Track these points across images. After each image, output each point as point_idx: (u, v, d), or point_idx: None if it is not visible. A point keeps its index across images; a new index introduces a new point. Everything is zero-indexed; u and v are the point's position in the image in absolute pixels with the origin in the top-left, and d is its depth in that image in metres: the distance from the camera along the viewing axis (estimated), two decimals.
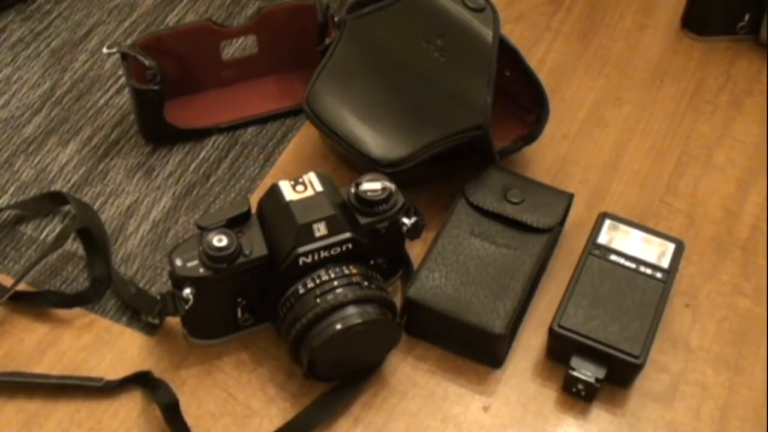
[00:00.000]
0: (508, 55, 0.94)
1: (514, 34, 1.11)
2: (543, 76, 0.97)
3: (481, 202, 0.90)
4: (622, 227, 0.90)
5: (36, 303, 0.88)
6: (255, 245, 0.81)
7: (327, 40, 0.99)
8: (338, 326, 0.78)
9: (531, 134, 0.96)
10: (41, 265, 0.91)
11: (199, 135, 1.02)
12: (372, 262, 0.83)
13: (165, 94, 0.97)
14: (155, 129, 1.00)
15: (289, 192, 0.81)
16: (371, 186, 0.83)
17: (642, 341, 0.82)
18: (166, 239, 0.94)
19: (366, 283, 0.80)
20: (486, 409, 0.84)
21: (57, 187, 0.97)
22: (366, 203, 0.83)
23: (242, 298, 0.83)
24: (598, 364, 0.82)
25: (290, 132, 1.03)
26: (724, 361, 0.87)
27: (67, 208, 0.96)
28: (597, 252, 0.88)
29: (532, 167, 1.00)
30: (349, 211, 0.83)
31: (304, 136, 1.02)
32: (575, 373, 0.82)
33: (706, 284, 0.92)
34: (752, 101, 1.07)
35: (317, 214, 0.79)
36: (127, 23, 1.13)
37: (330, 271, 0.80)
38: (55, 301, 0.88)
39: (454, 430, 0.83)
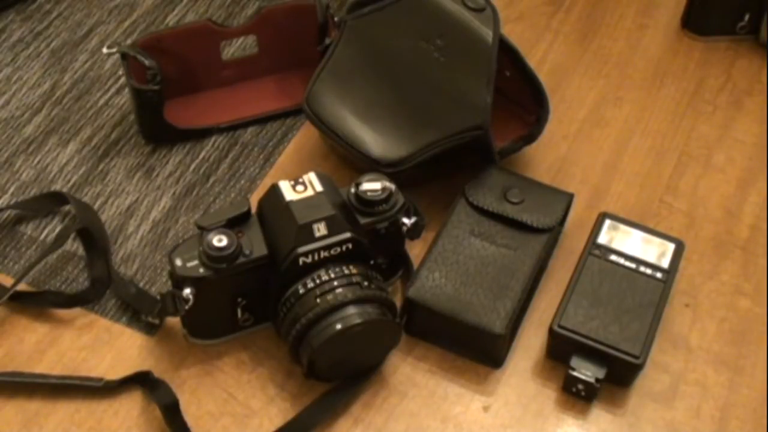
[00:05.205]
0: (508, 55, 0.94)
1: (514, 34, 1.11)
2: (543, 76, 0.97)
3: (481, 202, 0.90)
4: (622, 227, 0.90)
5: (36, 303, 0.88)
6: (255, 245, 0.81)
7: (327, 40, 0.99)
8: (338, 326, 0.78)
9: (531, 134, 0.96)
10: (41, 265, 0.91)
11: (199, 135, 1.02)
12: (372, 262, 0.83)
13: (165, 94, 0.97)
14: (155, 129, 1.00)
15: (289, 192, 0.81)
16: (371, 186, 0.83)
17: (642, 341, 0.82)
18: (166, 239, 0.94)
19: (366, 283, 0.80)
20: (486, 409, 0.84)
21: (57, 187, 0.97)
22: (366, 203, 0.83)
23: (242, 298, 0.83)
24: (598, 364, 0.82)
25: (290, 132, 1.03)
26: (724, 361, 0.87)
27: (67, 208, 0.96)
28: (597, 252, 0.88)
29: (532, 167, 1.00)
30: (349, 211, 0.83)
31: (304, 136, 1.02)
32: (575, 373, 0.82)
33: (706, 284, 0.92)
34: (752, 101, 1.07)
35: (317, 214, 0.79)
36: (127, 23, 1.13)
37: (330, 271, 0.80)
38: (55, 301, 0.88)
39: (454, 430, 0.83)
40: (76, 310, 0.88)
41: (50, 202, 0.95)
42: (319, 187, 0.81)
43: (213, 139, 1.02)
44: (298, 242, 0.79)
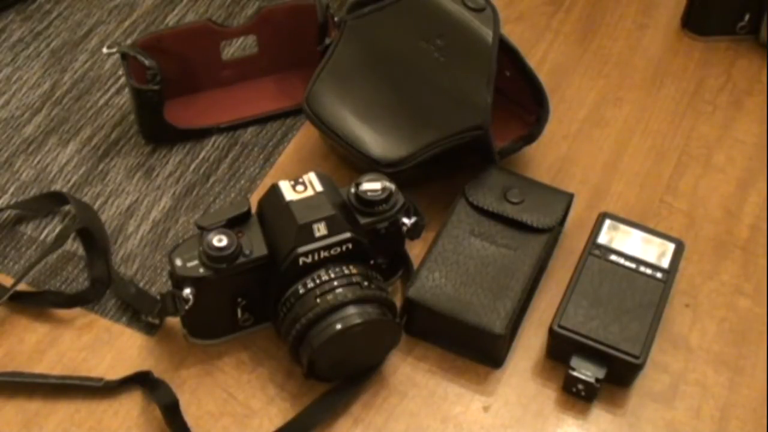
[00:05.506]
0: (508, 55, 0.94)
1: (514, 34, 1.11)
2: (543, 76, 0.97)
3: (481, 202, 0.90)
4: (622, 227, 0.90)
5: (36, 303, 0.88)
6: (255, 245, 0.81)
7: (327, 40, 0.99)
8: (338, 326, 0.78)
9: (531, 134, 0.96)
10: (41, 265, 0.91)
11: (199, 135, 1.02)
12: (372, 262, 0.83)
13: (165, 94, 0.97)
14: (155, 129, 1.00)
15: (289, 192, 0.81)
16: (371, 186, 0.83)
17: (642, 341, 0.82)
18: (166, 239, 0.94)
19: (366, 283, 0.80)
20: (486, 409, 0.84)
21: (57, 187, 0.97)
22: (366, 203, 0.83)
23: (242, 298, 0.83)
24: (598, 364, 0.82)
25: (290, 132, 1.03)
26: (724, 361, 0.87)
27: (67, 208, 0.96)
28: (597, 252, 0.88)
29: (532, 167, 1.00)
30: (349, 211, 0.83)
31: (304, 136, 1.02)
32: (575, 373, 0.82)
33: (706, 284, 0.92)
34: (752, 101, 1.07)
35: (317, 214, 0.79)
36: (127, 23, 1.13)
37: (330, 271, 0.80)
38: (55, 301, 0.88)
39: (454, 430, 0.83)
40: (76, 310, 0.88)
41: (50, 202, 0.95)
42: (319, 187, 0.81)
43: (213, 139, 1.02)
44: (298, 242, 0.79)
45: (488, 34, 0.90)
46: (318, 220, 0.79)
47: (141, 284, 0.90)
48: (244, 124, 1.03)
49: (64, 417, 0.82)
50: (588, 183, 0.99)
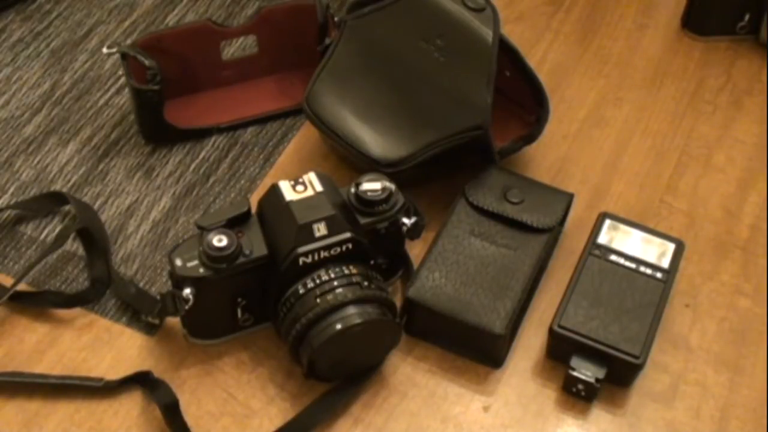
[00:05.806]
0: (508, 55, 0.94)
1: (514, 34, 1.11)
2: (543, 76, 0.97)
3: (481, 202, 0.90)
4: (622, 227, 0.90)
5: (36, 303, 0.88)
6: (255, 245, 0.81)
7: (327, 40, 0.99)
8: (338, 326, 0.78)
9: (531, 134, 0.96)
10: (41, 265, 0.91)
11: (199, 135, 1.02)
12: (372, 262, 0.83)
13: (165, 94, 0.97)
14: (155, 129, 1.00)
15: (289, 192, 0.81)
16: (371, 186, 0.83)
17: (642, 341, 0.82)
18: (166, 239, 0.94)
19: (366, 283, 0.80)
20: (486, 409, 0.84)
21: (57, 187, 0.97)
22: (366, 203, 0.83)
23: (242, 298, 0.83)
24: (598, 364, 0.82)
25: (290, 132, 1.03)
26: (724, 361, 0.87)
27: (67, 208, 0.96)
28: (597, 252, 0.88)
29: (532, 167, 1.00)
30: (349, 211, 0.83)
31: (304, 136, 1.02)
32: (575, 373, 0.82)
33: (706, 284, 0.92)
34: (752, 101, 1.07)
35: (317, 214, 0.79)
36: (127, 23, 1.13)
37: (330, 271, 0.80)
38: (55, 301, 0.88)
39: (454, 430, 0.83)
40: (76, 310, 0.88)
41: (50, 202, 0.95)
42: (319, 187, 0.81)
43: (213, 139, 1.02)
44: (298, 242, 0.79)
45: (488, 34, 0.90)
46: (318, 220, 0.79)
47: (141, 284, 0.90)
48: (244, 124, 1.03)
49: (64, 417, 0.82)
50: (588, 183, 0.99)
